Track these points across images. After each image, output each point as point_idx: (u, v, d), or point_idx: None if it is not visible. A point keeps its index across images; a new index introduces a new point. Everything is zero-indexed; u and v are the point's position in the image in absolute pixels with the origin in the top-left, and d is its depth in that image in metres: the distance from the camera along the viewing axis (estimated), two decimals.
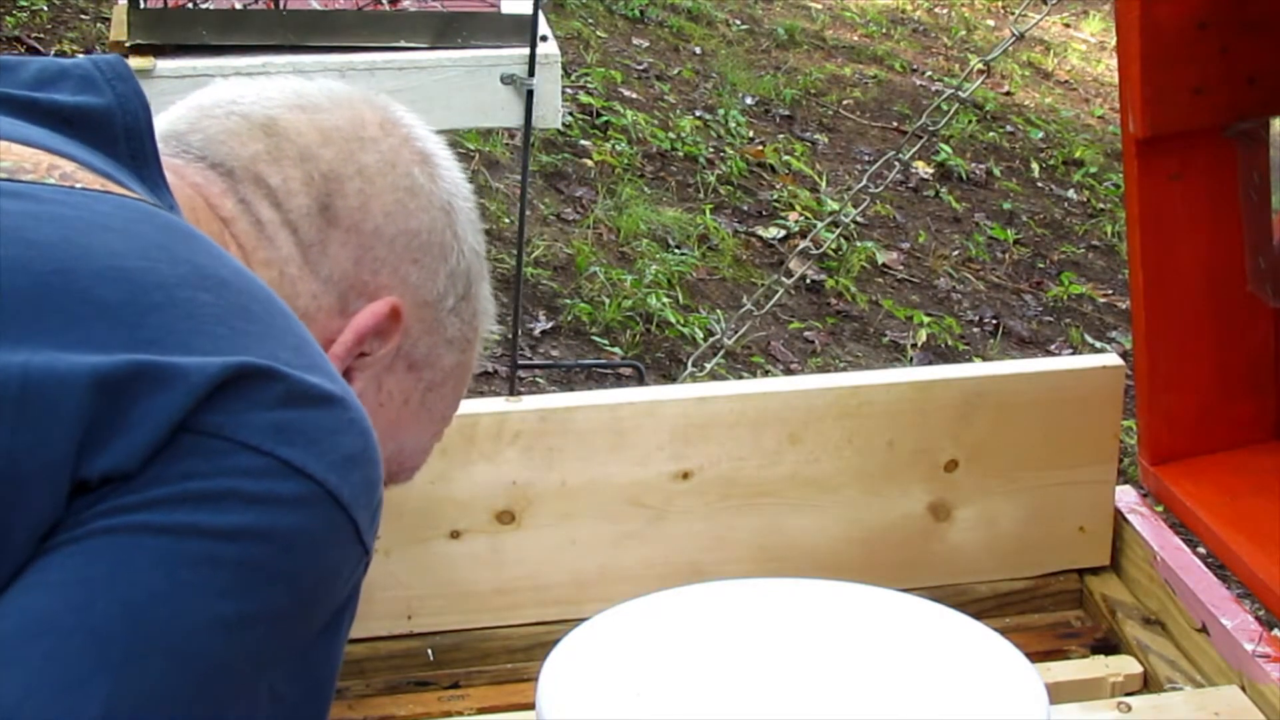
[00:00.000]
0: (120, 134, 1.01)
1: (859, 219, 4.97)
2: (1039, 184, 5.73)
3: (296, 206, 1.07)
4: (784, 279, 4.01)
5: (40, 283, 0.87)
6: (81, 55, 1.07)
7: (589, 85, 5.73)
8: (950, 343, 4.59)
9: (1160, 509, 1.84)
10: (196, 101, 1.11)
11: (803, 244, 3.89)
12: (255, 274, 1.01)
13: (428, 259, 1.12)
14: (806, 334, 4.57)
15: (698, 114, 5.75)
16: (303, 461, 0.87)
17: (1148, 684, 1.65)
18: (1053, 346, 4.67)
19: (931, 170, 5.63)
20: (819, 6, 7.19)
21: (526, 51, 2.96)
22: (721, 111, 5.78)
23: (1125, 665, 1.66)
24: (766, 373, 4.24)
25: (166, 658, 0.82)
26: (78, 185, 0.95)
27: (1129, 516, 1.79)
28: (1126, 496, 1.82)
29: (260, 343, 0.89)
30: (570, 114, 5.37)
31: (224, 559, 0.84)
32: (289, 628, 0.87)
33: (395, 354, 1.11)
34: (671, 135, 5.52)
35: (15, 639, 0.80)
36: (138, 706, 0.81)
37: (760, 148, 5.59)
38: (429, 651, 1.67)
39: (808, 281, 4.76)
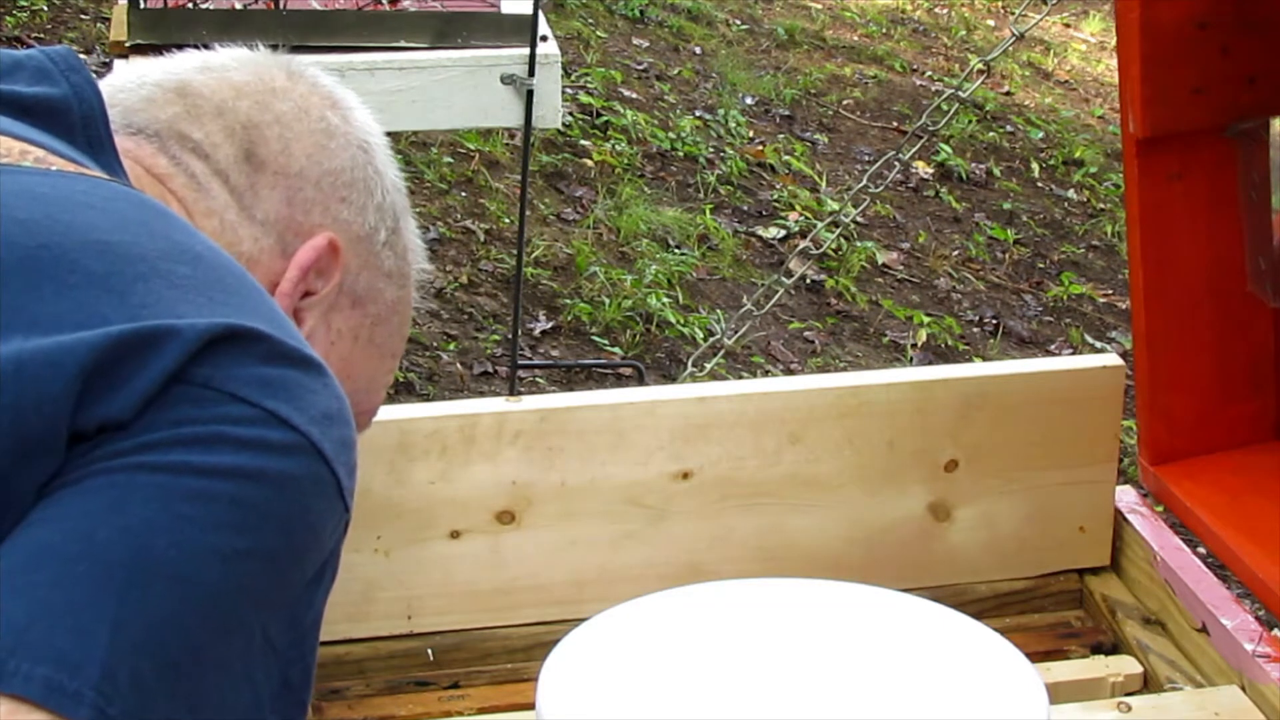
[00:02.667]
0: (77, 122, 1.04)
1: (859, 219, 4.97)
2: (1039, 184, 5.73)
3: (223, 156, 1.11)
4: (784, 279, 4.01)
5: (29, 256, 0.90)
6: (33, 48, 1.10)
7: (589, 85, 5.73)
8: (950, 343, 4.59)
9: (1160, 509, 1.84)
10: (107, 83, 1.14)
11: (803, 244, 3.89)
12: (199, 225, 1.07)
13: (354, 195, 1.16)
14: (806, 334, 4.57)
15: (698, 114, 5.75)
16: (287, 414, 0.90)
17: (1148, 684, 1.65)
18: (1053, 346, 4.67)
19: (931, 170, 5.63)
20: (819, 6, 7.19)
21: (526, 51, 2.95)
22: (721, 111, 5.78)
23: (1125, 665, 1.66)
24: (766, 373, 4.24)
25: (168, 583, 0.84)
26: (53, 168, 0.99)
27: (1129, 516, 1.79)
28: (1126, 496, 1.82)
29: (238, 311, 0.93)
30: (570, 114, 5.36)
31: (218, 495, 0.87)
32: (280, 570, 0.90)
33: (339, 291, 1.15)
34: (671, 135, 5.52)
35: (20, 569, 0.82)
36: (143, 629, 0.83)
37: (760, 148, 5.59)
38: (429, 651, 1.67)
39: (808, 281, 4.76)
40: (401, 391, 3.96)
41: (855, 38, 6.92)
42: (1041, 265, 5.17)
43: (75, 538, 0.84)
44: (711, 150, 5.52)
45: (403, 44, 2.97)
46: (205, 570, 0.86)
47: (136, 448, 0.86)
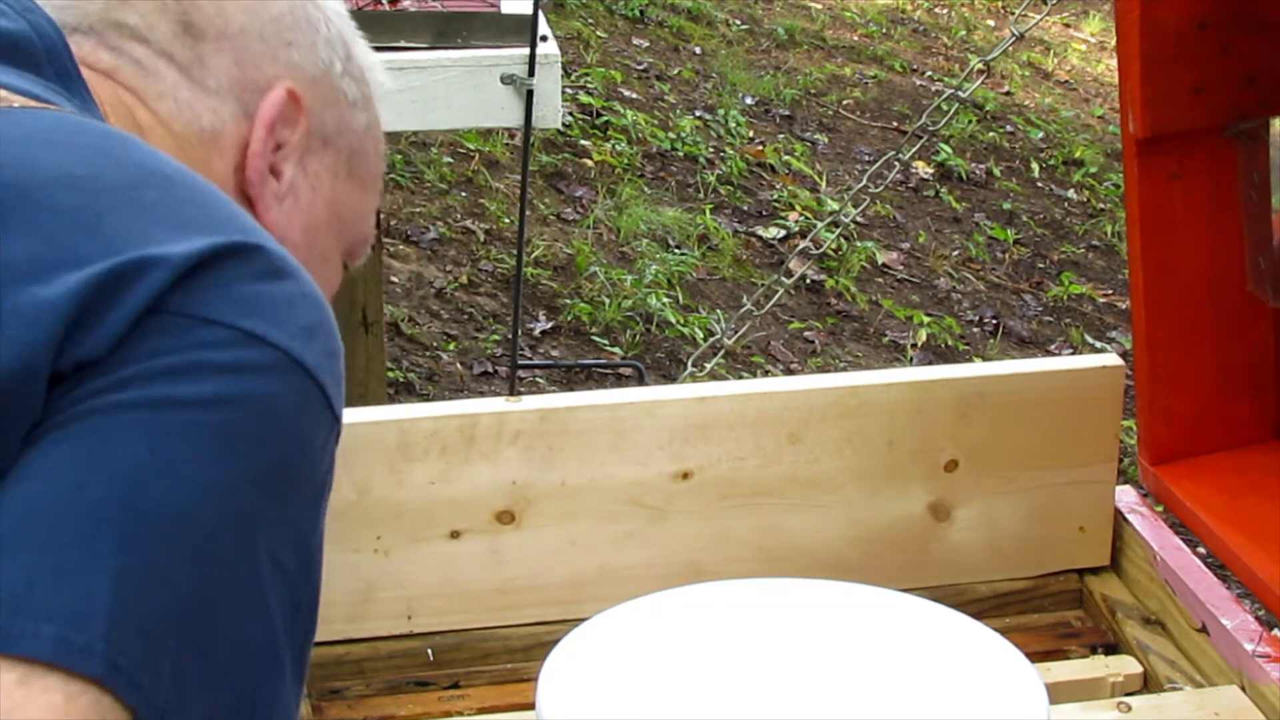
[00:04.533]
0: (43, 56, 1.03)
1: (859, 219, 4.97)
2: (1039, 184, 5.73)
3: (161, 35, 1.09)
4: (784, 279, 4.01)
5: None
6: None
7: (589, 85, 5.74)
8: (950, 343, 4.60)
9: (1160, 509, 1.84)
10: None
11: (803, 244, 3.89)
12: (153, 109, 1.06)
13: (300, 37, 1.14)
14: (806, 334, 4.57)
15: (698, 114, 5.75)
16: (265, 331, 0.89)
17: (1148, 684, 1.65)
18: (1053, 346, 4.68)
19: (931, 170, 5.63)
20: (819, 6, 7.19)
21: (526, 51, 2.95)
22: (721, 111, 5.78)
23: (1125, 665, 1.66)
24: (766, 373, 4.25)
25: (163, 527, 0.84)
26: (15, 105, 0.98)
27: (1129, 516, 1.79)
28: (1126, 496, 1.82)
29: (211, 226, 0.92)
30: (570, 114, 5.37)
31: (203, 427, 0.86)
32: (276, 492, 0.89)
33: (308, 135, 1.14)
34: (671, 135, 5.52)
35: (12, 529, 0.82)
36: (145, 578, 0.82)
37: (760, 148, 5.59)
38: (429, 651, 1.67)
39: (808, 281, 4.76)
40: (401, 391, 3.96)
41: (855, 38, 6.92)
42: (1041, 265, 5.17)
43: (64, 492, 0.83)
44: (711, 150, 5.52)
45: (403, 44, 2.97)
46: (200, 507, 0.85)
47: (114, 385, 0.85)
